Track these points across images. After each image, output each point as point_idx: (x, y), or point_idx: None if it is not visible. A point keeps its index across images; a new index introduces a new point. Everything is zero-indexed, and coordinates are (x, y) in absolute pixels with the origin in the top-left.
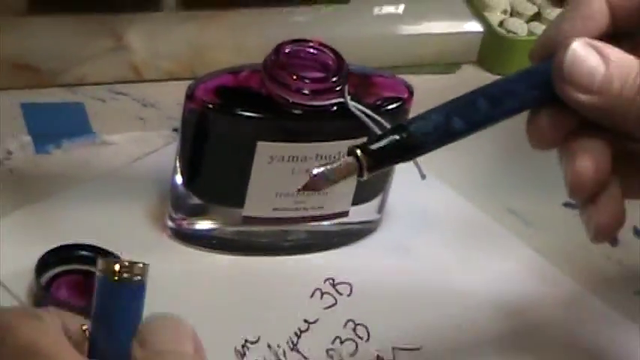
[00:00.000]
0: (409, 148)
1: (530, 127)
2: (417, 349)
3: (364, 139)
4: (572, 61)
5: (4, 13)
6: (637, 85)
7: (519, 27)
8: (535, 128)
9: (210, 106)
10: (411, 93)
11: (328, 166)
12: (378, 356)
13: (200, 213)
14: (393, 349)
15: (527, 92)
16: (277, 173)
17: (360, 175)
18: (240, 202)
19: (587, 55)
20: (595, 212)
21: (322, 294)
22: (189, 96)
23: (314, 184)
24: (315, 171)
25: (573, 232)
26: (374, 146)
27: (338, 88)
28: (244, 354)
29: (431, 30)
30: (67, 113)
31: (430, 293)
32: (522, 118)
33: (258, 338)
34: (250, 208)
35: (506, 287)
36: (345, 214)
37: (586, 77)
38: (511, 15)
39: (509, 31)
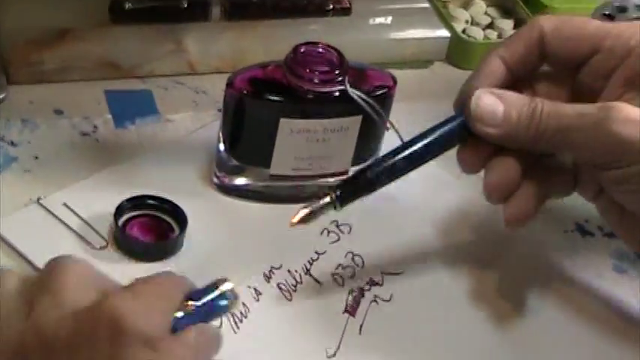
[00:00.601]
0: (367, 188)
1: (458, 159)
2: (400, 272)
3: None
4: (477, 104)
5: (92, 24)
6: (529, 113)
7: (477, 33)
8: (462, 159)
9: (245, 92)
10: (394, 82)
11: (313, 206)
12: (370, 278)
13: (237, 172)
14: (382, 273)
15: (451, 134)
16: (295, 142)
17: (335, 209)
18: (267, 163)
19: (488, 99)
20: (505, 208)
21: (329, 232)
22: (229, 84)
23: (302, 222)
24: (302, 212)
25: None
26: (343, 191)
27: (340, 79)
28: (270, 277)
29: (411, 35)
30: (139, 98)
31: (411, 233)
32: None
33: (281, 265)
34: (275, 168)
35: (467, 224)
36: (345, 172)
37: (490, 114)
38: (471, 24)
39: (469, 37)
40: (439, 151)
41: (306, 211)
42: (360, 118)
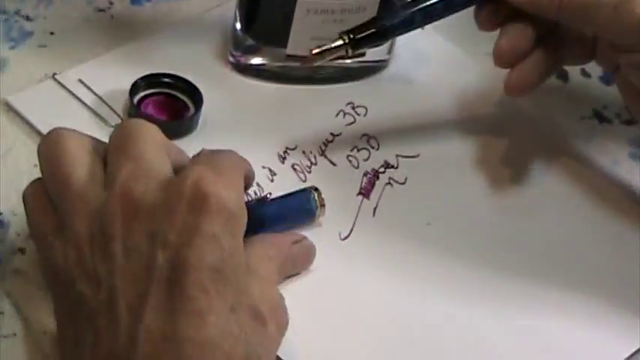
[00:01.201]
0: (381, 36)
1: (475, 16)
2: (416, 156)
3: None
4: None
5: None
6: None
7: None
8: (479, 17)
9: None
10: None
11: (324, 47)
12: (385, 161)
13: (254, 51)
14: (397, 156)
15: None
16: (312, 22)
17: (346, 54)
18: (284, 43)
19: None
20: (510, 73)
21: (345, 114)
22: None
23: (312, 60)
24: (315, 51)
25: None
26: (357, 35)
27: None
28: (285, 157)
29: None
30: None
31: (426, 114)
32: None
33: (296, 146)
34: (292, 48)
35: (485, 110)
36: (363, 54)
37: None
38: None
39: None
40: (459, 7)
41: (317, 50)
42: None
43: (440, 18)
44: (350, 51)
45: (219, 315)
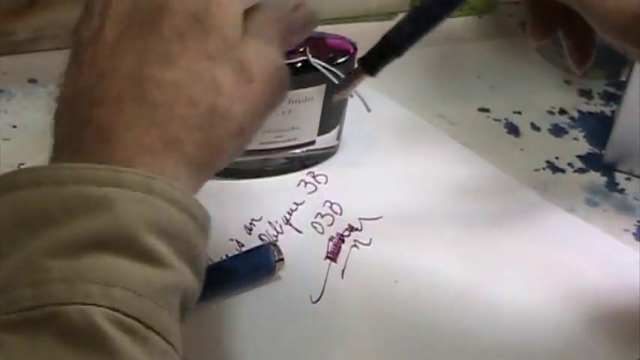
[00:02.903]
0: (394, 53)
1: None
2: (378, 217)
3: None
4: None
5: None
6: None
7: None
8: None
9: None
10: (355, 48)
11: (345, 78)
12: (349, 224)
13: None
14: (360, 219)
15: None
16: None
17: (371, 75)
18: None
19: None
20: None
21: (306, 183)
22: None
23: (340, 94)
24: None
25: (486, 129)
26: (371, 58)
27: (301, 49)
28: (251, 229)
29: None
30: None
31: (386, 178)
32: (447, 46)
33: (261, 217)
34: None
35: (441, 169)
36: (312, 142)
37: None
38: None
39: None
40: (457, 4)
41: (341, 87)
42: (323, 87)
43: (440, 21)
44: (371, 73)
45: (191, 60)
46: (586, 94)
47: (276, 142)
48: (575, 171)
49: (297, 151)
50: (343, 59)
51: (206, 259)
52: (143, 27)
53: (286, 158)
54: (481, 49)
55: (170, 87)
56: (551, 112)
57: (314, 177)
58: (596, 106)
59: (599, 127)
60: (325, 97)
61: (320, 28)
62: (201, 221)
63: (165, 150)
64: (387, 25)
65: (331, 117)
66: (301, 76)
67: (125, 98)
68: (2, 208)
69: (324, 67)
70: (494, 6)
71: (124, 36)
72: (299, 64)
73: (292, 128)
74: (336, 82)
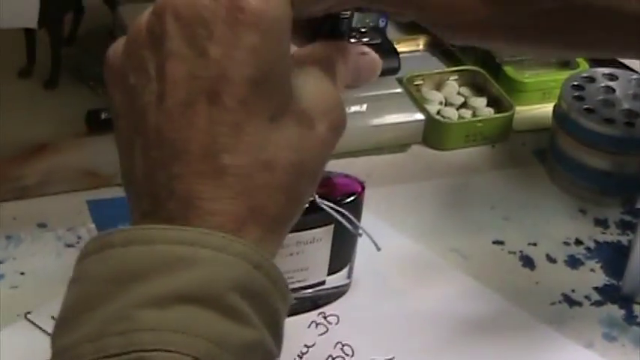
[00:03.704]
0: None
1: None
2: (391, 358)
3: None
4: None
5: (69, 136)
6: None
7: (451, 113)
8: None
9: None
10: (362, 187)
11: None
12: None
13: None
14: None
15: None
16: None
17: None
18: None
19: None
20: None
21: (317, 324)
22: None
23: None
24: None
25: (501, 262)
26: None
27: None
28: None
29: (386, 121)
30: (121, 205)
31: (398, 316)
32: (460, 177)
33: None
34: None
35: (453, 306)
36: (322, 282)
37: None
38: (445, 105)
39: (444, 117)
40: None
41: None
42: (331, 227)
43: None
44: None
45: (258, 125)
46: (602, 223)
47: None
48: (592, 304)
49: (308, 291)
50: (350, 199)
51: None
52: (205, 97)
53: (297, 299)
54: (495, 179)
55: (245, 155)
56: (567, 243)
57: (325, 317)
58: (612, 235)
59: (616, 258)
60: (333, 237)
61: (330, 163)
62: (281, 287)
63: (251, 217)
64: (399, 158)
65: (340, 256)
66: (309, 217)
67: (204, 172)
68: (95, 264)
69: (331, 208)
70: (508, 134)
71: (187, 108)
72: (306, 205)
73: (302, 269)
74: (344, 222)
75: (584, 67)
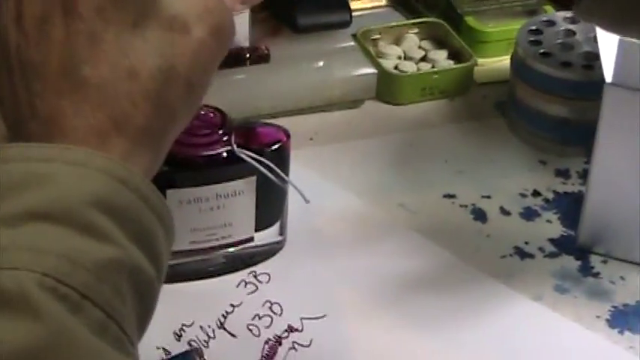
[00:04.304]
0: None
1: None
2: (322, 316)
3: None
4: None
5: None
6: None
7: (410, 67)
8: None
9: None
10: (288, 136)
11: None
12: (289, 325)
13: None
14: (301, 318)
15: None
16: (188, 213)
17: None
18: None
19: None
20: None
21: (246, 283)
22: None
23: None
24: None
25: (451, 216)
26: None
27: (225, 139)
28: (181, 335)
29: (335, 76)
30: None
31: (333, 273)
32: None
33: (193, 322)
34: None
35: (394, 262)
36: (250, 239)
37: None
38: (404, 59)
39: (401, 71)
40: None
41: None
42: (253, 179)
43: None
44: None
45: (117, 32)
46: (563, 173)
47: (209, 240)
48: (545, 256)
49: (233, 249)
50: (273, 148)
51: (167, 254)
52: (60, 10)
53: (225, 257)
54: (451, 133)
55: (105, 64)
56: (524, 195)
57: (255, 276)
58: (574, 185)
59: (575, 208)
60: (257, 190)
61: (276, 120)
62: (155, 205)
63: (114, 128)
64: (350, 114)
65: (268, 211)
66: (227, 167)
67: (63, 88)
68: None
69: (251, 157)
70: (468, 87)
71: (43, 23)
72: (224, 154)
73: (225, 225)
74: (267, 173)
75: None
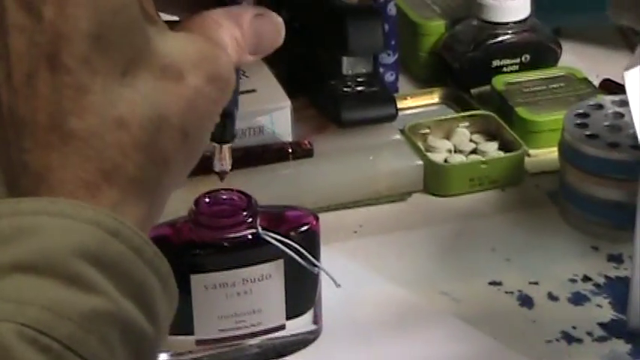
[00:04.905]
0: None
1: None
2: None
3: None
4: None
5: None
6: None
7: (459, 160)
8: None
9: None
10: (316, 218)
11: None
12: None
13: None
14: None
15: None
16: (214, 299)
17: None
18: (191, 329)
19: None
20: None
21: None
22: None
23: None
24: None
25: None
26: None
27: (250, 221)
28: None
29: (382, 169)
30: None
31: None
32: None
33: None
34: (200, 332)
35: (436, 350)
36: (282, 327)
37: None
38: (454, 152)
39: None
40: None
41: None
42: (281, 262)
43: None
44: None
45: (105, 81)
46: (615, 258)
47: (238, 328)
48: (594, 340)
49: (264, 337)
50: (300, 230)
51: (167, 313)
52: (45, 63)
53: (260, 347)
54: (500, 223)
55: (93, 115)
56: (573, 280)
57: None
58: (627, 270)
59: (628, 293)
60: (286, 274)
61: (321, 216)
62: (149, 257)
63: (105, 180)
64: (397, 207)
65: (300, 298)
66: (252, 250)
67: (52, 142)
68: None
69: (275, 239)
70: (520, 177)
71: (30, 78)
72: (249, 236)
73: (254, 311)
74: (295, 256)
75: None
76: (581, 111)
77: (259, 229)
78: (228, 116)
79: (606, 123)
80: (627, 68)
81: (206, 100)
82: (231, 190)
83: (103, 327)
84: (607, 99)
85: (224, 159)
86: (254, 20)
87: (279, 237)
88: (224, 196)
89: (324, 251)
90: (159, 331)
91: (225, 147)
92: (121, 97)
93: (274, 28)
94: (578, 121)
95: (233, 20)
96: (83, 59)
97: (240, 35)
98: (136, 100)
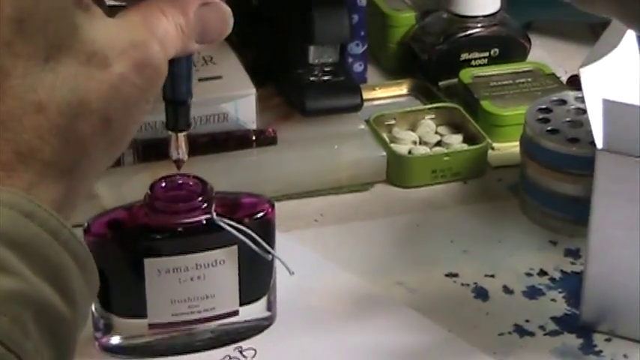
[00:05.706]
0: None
1: None
2: None
3: None
4: None
5: None
6: None
7: (423, 152)
8: None
9: (103, 236)
10: (272, 205)
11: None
12: None
13: (110, 330)
14: None
15: None
16: (167, 283)
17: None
18: (145, 313)
19: None
20: None
21: (230, 358)
22: (86, 231)
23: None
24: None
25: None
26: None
27: (205, 207)
28: None
29: (345, 159)
30: None
31: (324, 351)
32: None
33: None
34: (153, 317)
35: (387, 338)
36: (235, 313)
37: None
38: (419, 144)
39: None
40: None
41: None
42: (234, 249)
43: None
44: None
45: (27, 66)
46: (572, 253)
47: (191, 313)
48: (546, 334)
49: (218, 323)
50: (255, 217)
51: (86, 295)
52: None
53: (213, 332)
54: (460, 214)
55: (12, 98)
56: (529, 274)
57: (241, 352)
58: (582, 265)
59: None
60: (240, 261)
61: (283, 203)
62: (65, 240)
63: (21, 162)
64: (358, 197)
65: (254, 284)
66: (206, 236)
67: None
68: None
69: (229, 225)
70: (482, 170)
71: None
72: (203, 222)
73: (207, 296)
74: (248, 242)
75: None
76: (543, 106)
77: (214, 214)
78: (182, 104)
79: (568, 119)
80: (583, 65)
81: (132, 87)
82: (188, 175)
83: (16, 308)
84: (571, 95)
85: (180, 147)
86: (200, 9)
87: (233, 223)
88: (180, 181)
89: (285, 239)
90: (76, 313)
91: (181, 135)
92: (42, 82)
93: (221, 16)
94: (540, 116)
95: (178, 8)
96: (5, 43)
97: (185, 23)
98: (57, 85)
